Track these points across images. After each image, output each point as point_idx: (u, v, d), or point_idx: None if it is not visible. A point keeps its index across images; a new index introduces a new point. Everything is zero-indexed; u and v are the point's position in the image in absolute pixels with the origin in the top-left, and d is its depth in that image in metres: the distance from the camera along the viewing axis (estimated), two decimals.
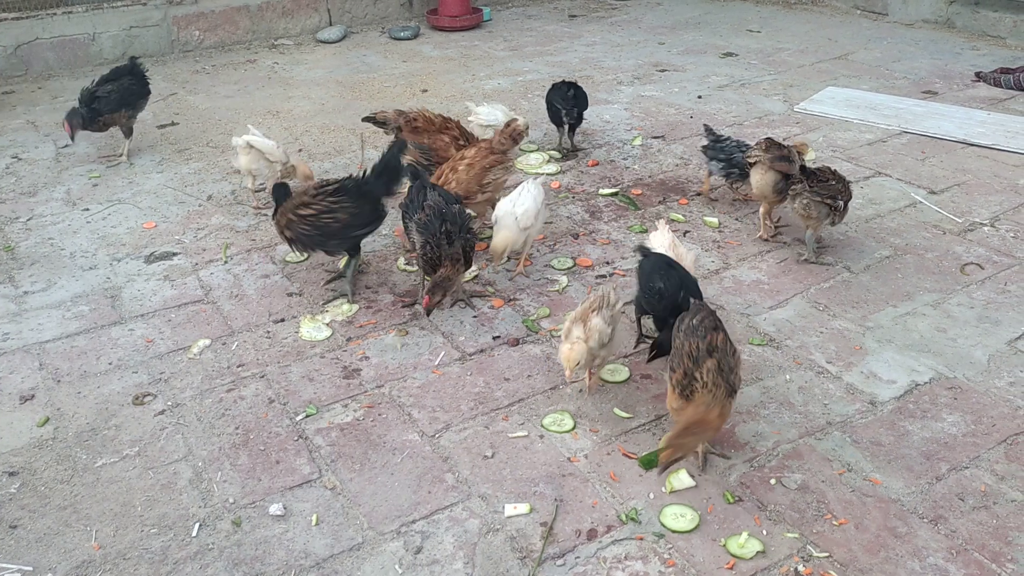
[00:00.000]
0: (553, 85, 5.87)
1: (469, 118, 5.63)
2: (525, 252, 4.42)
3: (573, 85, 5.78)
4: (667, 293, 3.46)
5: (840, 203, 4.34)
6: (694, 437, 2.92)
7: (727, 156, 4.96)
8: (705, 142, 5.14)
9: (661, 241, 3.87)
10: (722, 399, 2.94)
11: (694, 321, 3.13)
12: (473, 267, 4.47)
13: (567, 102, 5.67)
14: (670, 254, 3.73)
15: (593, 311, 3.38)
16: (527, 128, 4.93)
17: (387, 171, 4.17)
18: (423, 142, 4.99)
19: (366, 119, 5.21)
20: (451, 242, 3.80)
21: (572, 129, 5.78)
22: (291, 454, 3.27)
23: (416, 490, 3.09)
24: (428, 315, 3.95)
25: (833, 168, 4.53)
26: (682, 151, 5.88)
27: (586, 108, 5.80)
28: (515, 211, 4.24)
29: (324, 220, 4.03)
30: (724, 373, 2.97)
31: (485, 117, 5.54)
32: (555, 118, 5.79)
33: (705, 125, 5.36)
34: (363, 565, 2.80)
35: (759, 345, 3.84)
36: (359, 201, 4.08)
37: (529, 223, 4.26)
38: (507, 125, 4.74)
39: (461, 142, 5.01)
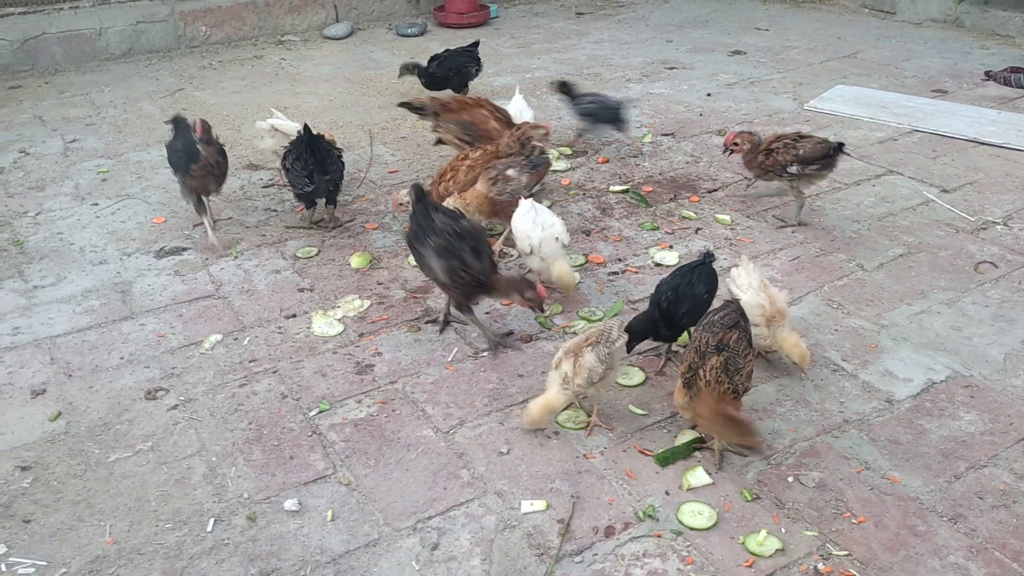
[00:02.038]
0: (454, 52, 6.68)
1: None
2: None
3: (476, 45, 6.75)
4: (661, 287, 3.56)
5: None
6: (734, 426, 2.93)
7: (592, 110, 5.56)
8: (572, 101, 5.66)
9: (748, 280, 3.51)
10: (726, 395, 2.93)
11: (715, 316, 3.11)
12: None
13: (476, 60, 6.62)
14: (761, 294, 3.47)
15: (588, 345, 3.18)
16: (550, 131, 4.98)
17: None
18: (463, 119, 5.04)
19: (401, 105, 5.24)
20: (479, 257, 3.60)
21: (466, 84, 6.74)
22: (305, 450, 3.26)
23: (431, 486, 3.08)
24: (542, 309, 3.75)
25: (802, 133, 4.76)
26: (692, 148, 5.87)
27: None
28: (560, 236, 4.04)
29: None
30: (730, 373, 2.93)
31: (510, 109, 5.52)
32: (465, 77, 6.62)
33: (562, 82, 5.76)
34: (379, 561, 2.79)
35: None
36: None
37: (567, 239, 4.13)
38: (517, 128, 4.69)
39: (498, 114, 5.09)
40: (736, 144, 4.80)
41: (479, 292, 3.69)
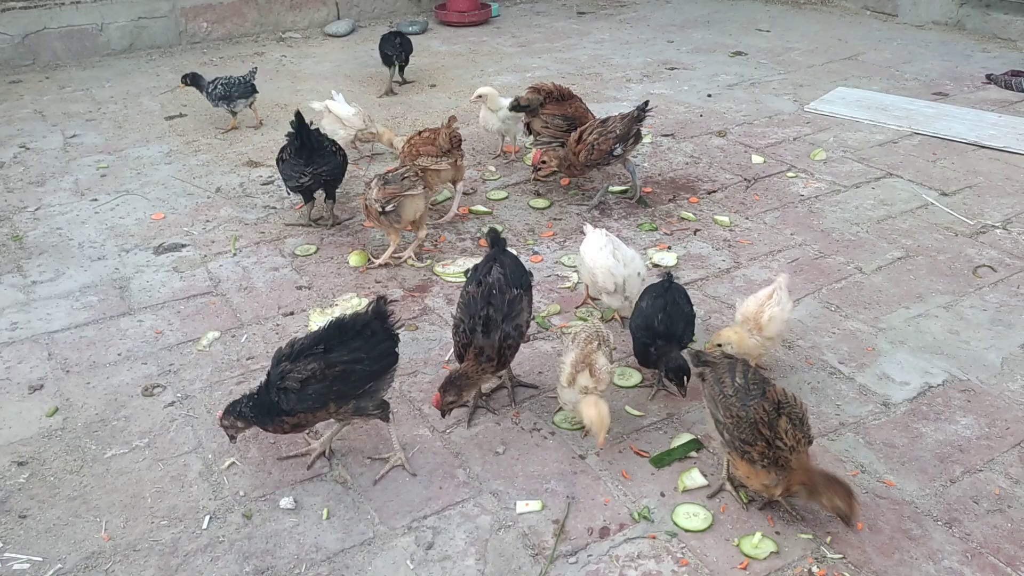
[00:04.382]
0: (383, 36, 7.08)
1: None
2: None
3: (400, 34, 7.09)
4: (645, 312, 3.39)
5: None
6: (837, 486, 2.74)
7: (225, 93, 6.04)
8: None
9: (765, 292, 3.54)
10: (806, 449, 2.77)
11: (739, 380, 2.86)
12: None
13: (396, 47, 6.95)
14: (749, 302, 3.50)
15: (594, 351, 3.10)
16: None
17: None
18: (566, 112, 5.21)
19: (512, 108, 5.30)
20: (487, 333, 3.17)
21: (402, 69, 7.14)
22: (301, 448, 3.25)
23: (427, 486, 3.08)
24: (443, 416, 3.25)
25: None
26: (692, 149, 5.87)
27: (411, 52, 7.10)
28: (642, 272, 3.82)
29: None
30: (798, 425, 2.75)
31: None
32: (387, 61, 7.04)
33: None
34: (374, 560, 2.79)
35: None
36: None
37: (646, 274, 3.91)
38: (447, 125, 4.69)
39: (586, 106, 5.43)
40: (544, 162, 4.94)
41: (461, 358, 3.29)
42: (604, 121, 4.92)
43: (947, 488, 3.04)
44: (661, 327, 3.35)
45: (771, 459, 2.72)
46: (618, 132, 4.83)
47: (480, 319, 3.18)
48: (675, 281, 3.53)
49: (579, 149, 4.85)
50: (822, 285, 4.27)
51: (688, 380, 3.27)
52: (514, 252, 3.56)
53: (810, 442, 2.80)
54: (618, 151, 4.83)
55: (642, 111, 4.91)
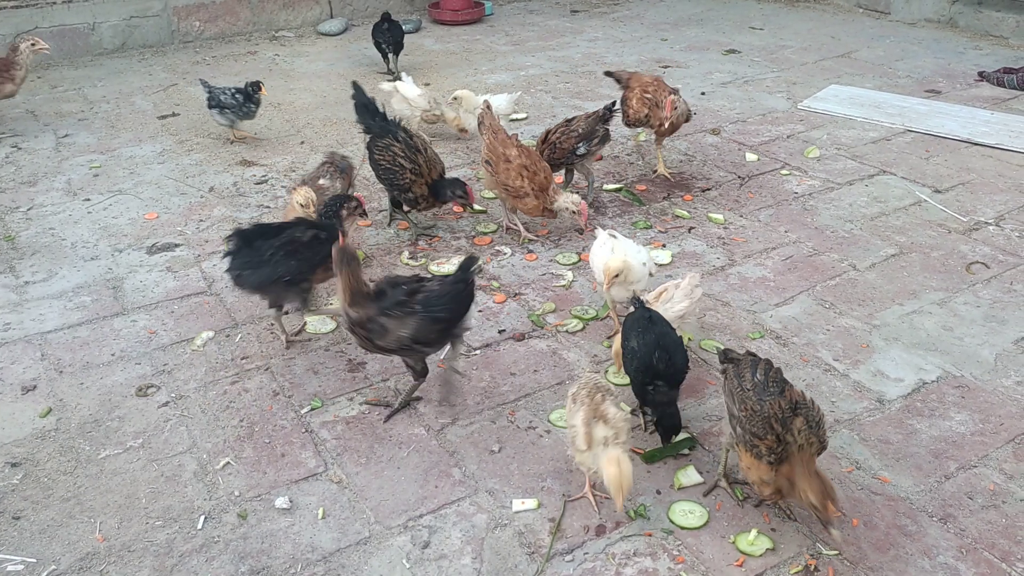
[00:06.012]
0: (375, 24, 7.29)
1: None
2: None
3: (388, 19, 7.24)
4: (639, 353, 3.12)
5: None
6: (823, 484, 2.64)
7: (228, 103, 5.81)
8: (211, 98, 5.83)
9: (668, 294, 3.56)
10: (814, 455, 2.70)
11: (759, 376, 2.82)
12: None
13: (384, 34, 7.16)
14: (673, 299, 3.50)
15: (601, 403, 2.89)
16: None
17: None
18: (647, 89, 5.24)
19: (607, 73, 5.70)
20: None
21: (396, 54, 7.29)
22: (296, 447, 3.25)
23: (423, 484, 3.07)
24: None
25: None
26: (686, 147, 5.87)
27: (402, 38, 7.28)
28: (647, 263, 3.74)
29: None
30: (814, 429, 2.70)
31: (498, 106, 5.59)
32: (380, 48, 7.28)
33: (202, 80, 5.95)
34: (370, 559, 2.78)
35: (756, 339, 3.82)
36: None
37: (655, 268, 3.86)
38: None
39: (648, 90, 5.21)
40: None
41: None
42: (569, 120, 4.91)
43: (942, 484, 3.05)
44: (661, 365, 3.08)
45: (778, 455, 2.66)
46: (580, 131, 4.79)
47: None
48: (647, 306, 3.34)
49: (543, 148, 4.84)
50: (816, 282, 4.27)
51: (672, 439, 3.17)
52: (477, 294, 3.41)
53: (823, 448, 2.71)
54: (581, 150, 4.80)
55: (608, 110, 4.90)
